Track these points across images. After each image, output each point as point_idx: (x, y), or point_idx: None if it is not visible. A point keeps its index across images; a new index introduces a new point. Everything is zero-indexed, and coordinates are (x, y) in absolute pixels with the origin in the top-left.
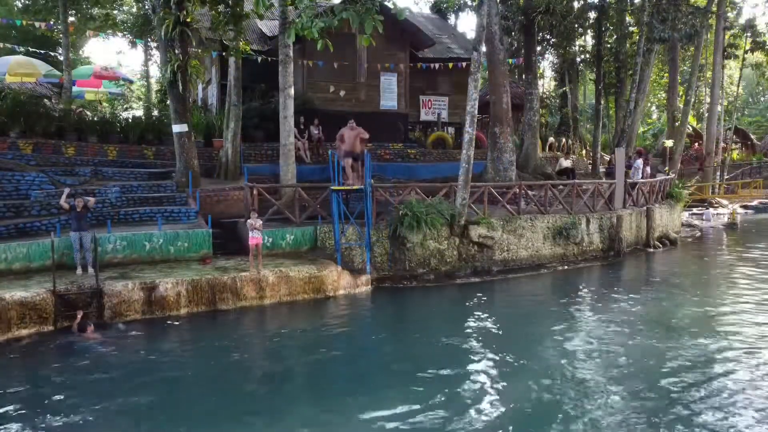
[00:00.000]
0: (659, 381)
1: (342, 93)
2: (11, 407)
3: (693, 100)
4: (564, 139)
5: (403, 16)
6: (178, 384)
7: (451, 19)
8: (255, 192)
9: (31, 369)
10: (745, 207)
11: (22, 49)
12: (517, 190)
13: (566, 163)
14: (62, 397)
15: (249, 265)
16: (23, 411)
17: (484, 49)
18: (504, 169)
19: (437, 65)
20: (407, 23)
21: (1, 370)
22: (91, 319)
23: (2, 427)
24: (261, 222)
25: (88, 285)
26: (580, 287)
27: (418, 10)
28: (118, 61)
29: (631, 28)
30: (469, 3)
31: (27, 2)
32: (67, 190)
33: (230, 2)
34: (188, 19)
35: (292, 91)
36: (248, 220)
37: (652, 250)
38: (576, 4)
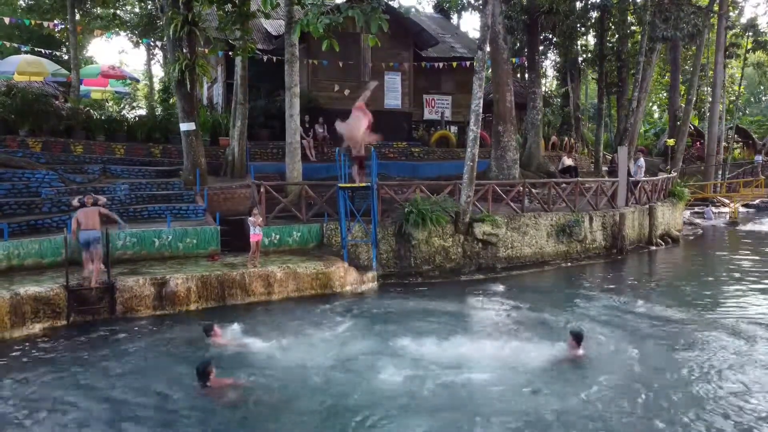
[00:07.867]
0: (658, 369)
1: (346, 92)
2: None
3: (695, 99)
4: (566, 138)
5: (409, 13)
6: None
7: (454, 18)
8: (262, 189)
9: (47, 362)
10: (746, 206)
11: (26, 48)
12: (521, 188)
13: (569, 161)
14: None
15: (247, 260)
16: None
17: (488, 48)
18: (507, 168)
19: (441, 64)
20: (411, 23)
21: (15, 363)
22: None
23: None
24: (261, 219)
25: (100, 280)
26: (584, 284)
27: (421, 9)
28: (120, 61)
29: (633, 28)
30: (473, 2)
31: (31, 2)
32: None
33: (237, 2)
34: (196, 19)
35: (297, 90)
36: (249, 218)
37: (654, 248)
38: (578, 4)
